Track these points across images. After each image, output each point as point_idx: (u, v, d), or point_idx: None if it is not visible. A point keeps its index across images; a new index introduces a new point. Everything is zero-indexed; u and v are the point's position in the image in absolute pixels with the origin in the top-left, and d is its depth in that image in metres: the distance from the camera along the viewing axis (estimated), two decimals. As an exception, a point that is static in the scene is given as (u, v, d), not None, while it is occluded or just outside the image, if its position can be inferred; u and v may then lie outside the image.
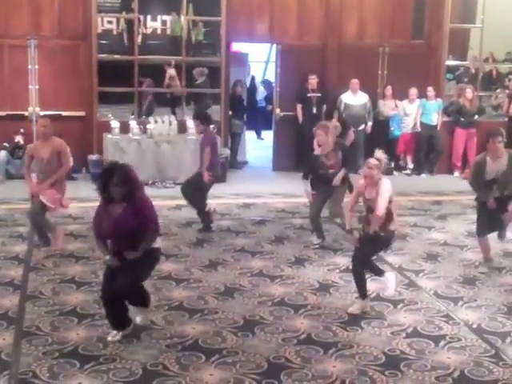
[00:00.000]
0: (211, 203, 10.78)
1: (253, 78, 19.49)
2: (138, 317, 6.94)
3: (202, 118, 10.61)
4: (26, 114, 13.84)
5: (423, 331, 7.10)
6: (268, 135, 18.16)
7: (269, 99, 17.59)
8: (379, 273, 7.76)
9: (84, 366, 6.16)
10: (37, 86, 13.86)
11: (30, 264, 8.86)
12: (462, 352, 6.65)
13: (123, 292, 6.62)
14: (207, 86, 15.41)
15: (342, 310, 7.54)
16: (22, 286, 8.11)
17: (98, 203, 6.76)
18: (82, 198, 11.66)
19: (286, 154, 14.93)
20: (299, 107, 14.59)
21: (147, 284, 8.13)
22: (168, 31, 15.53)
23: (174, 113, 15.31)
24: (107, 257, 6.69)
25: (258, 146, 18.03)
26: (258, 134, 18.98)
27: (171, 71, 15.17)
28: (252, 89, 18.76)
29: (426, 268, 9.07)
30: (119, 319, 6.78)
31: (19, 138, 13.45)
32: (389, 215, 7.44)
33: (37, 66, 13.82)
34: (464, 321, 7.38)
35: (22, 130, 13.54)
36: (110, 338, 6.67)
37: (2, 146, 13.43)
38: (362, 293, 7.55)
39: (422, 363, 6.39)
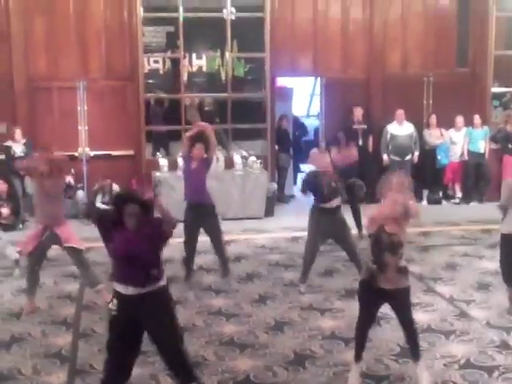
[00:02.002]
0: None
1: None
2: None
3: None
4: (76, 154, 14.10)
5: (476, 362, 7.02)
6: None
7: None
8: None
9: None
10: (86, 127, 14.12)
11: (82, 302, 8.97)
12: (516, 383, 6.56)
13: None
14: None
15: (393, 342, 7.48)
16: (74, 324, 8.22)
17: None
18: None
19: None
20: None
21: (199, 319, 8.21)
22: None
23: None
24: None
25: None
26: None
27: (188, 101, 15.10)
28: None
29: (477, 298, 8.97)
30: None
31: (69, 179, 13.68)
32: None
33: (86, 108, 14.10)
34: (518, 351, 7.30)
35: (72, 171, 13.77)
36: None
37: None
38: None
39: (475, 395, 6.34)
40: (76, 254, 8.62)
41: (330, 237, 9.62)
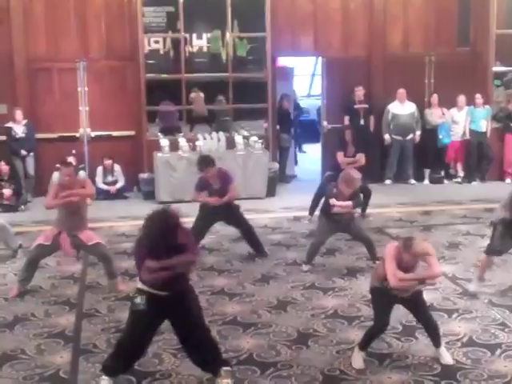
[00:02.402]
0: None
1: None
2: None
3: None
4: (77, 135, 14.10)
5: (479, 340, 7.03)
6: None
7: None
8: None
9: (141, 382, 6.22)
10: (87, 108, 14.11)
11: (85, 283, 8.99)
12: (519, 360, 6.58)
13: None
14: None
15: (396, 320, 7.49)
16: (77, 304, 8.24)
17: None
18: (135, 216, 11.82)
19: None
20: (346, 119, 14.52)
21: (202, 299, 8.22)
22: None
23: (191, 130, 15.09)
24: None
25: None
26: None
27: (193, 95, 15.04)
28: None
29: (480, 276, 8.98)
30: None
31: (71, 159, 13.65)
32: None
33: (86, 88, 14.08)
34: (520, 329, 7.31)
35: (73, 151, 13.76)
36: None
37: (55, 168, 13.63)
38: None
39: (478, 372, 6.33)
40: (100, 249, 8.60)
41: (339, 231, 9.74)
